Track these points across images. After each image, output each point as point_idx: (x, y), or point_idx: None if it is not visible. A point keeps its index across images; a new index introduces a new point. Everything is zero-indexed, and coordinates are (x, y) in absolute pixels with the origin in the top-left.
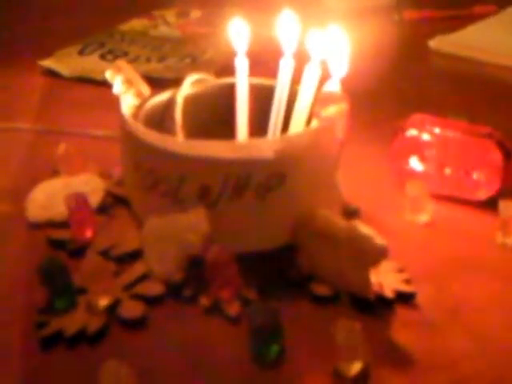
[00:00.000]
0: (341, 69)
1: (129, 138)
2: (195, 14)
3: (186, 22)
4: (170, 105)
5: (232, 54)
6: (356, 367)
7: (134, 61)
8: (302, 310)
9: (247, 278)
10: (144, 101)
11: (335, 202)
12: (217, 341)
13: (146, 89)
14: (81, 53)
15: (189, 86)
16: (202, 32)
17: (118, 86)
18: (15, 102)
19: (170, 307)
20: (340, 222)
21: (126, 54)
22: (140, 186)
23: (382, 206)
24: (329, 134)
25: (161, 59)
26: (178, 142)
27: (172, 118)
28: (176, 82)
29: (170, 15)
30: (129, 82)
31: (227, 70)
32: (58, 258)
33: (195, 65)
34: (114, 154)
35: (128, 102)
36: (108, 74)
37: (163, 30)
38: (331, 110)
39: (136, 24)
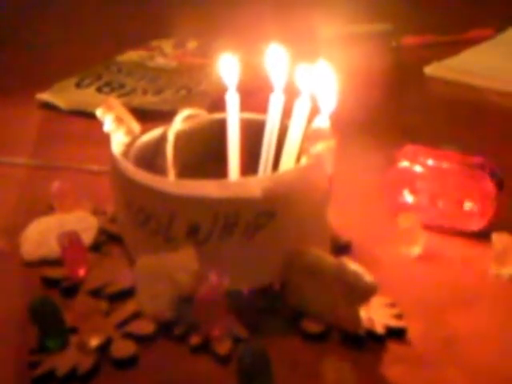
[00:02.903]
0: (330, 104)
1: (119, 177)
2: (192, 44)
3: (183, 53)
4: (161, 141)
5: (222, 88)
6: None
7: (130, 93)
8: (292, 347)
9: (237, 315)
10: (134, 138)
11: (325, 237)
12: (206, 380)
13: (136, 126)
14: (78, 85)
15: (180, 121)
16: (197, 63)
17: (108, 124)
18: (11, 135)
19: (161, 346)
20: (329, 259)
21: (122, 86)
22: (131, 224)
23: (374, 238)
24: (318, 171)
25: (157, 92)
26: (168, 181)
27: (163, 155)
28: (172, 115)
29: (167, 45)
30: (119, 120)
31: (219, 103)
32: (49, 298)
33: (190, 96)
34: (109, 189)
35: (118, 140)
36: (99, 112)
37: (160, 61)
38: (320, 147)
39: (133, 55)
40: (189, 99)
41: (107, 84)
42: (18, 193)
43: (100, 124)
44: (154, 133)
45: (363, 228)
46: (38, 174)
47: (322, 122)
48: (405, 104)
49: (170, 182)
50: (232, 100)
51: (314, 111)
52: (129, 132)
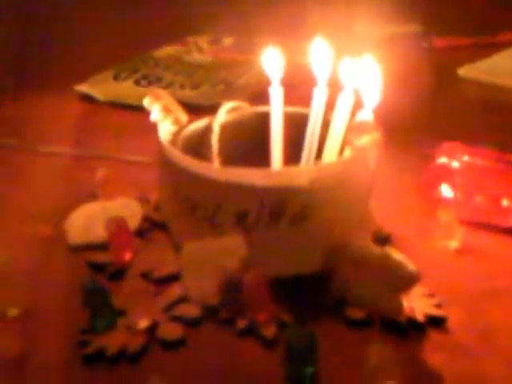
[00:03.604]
0: (373, 98)
1: (167, 165)
2: (227, 41)
3: (219, 49)
4: (206, 132)
5: (265, 81)
6: None
7: (168, 87)
8: (336, 333)
9: (282, 302)
10: (181, 128)
11: (368, 229)
12: (252, 362)
13: (183, 116)
14: (115, 78)
15: (224, 113)
16: (234, 58)
17: (155, 113)
18: (51, 125)
19: (207, 329)
20: (373, 249)
21: (159, 79)
22: (177, 212)
23: (413, 232)
24: (362, 164)
25: (195, 86)
26: (216, 168)
27: (208, 145)
28: (210, 109)
29: (203, 42)
30: (166, 110)
31: (260, 96)
32: (100, 280)
33: (228, 91)
34: (149, 179)
35: (165, 130)
36: (146, 102)
37: (196, 56)
38: (364, 140)
39: (169, 50)
40: (226, 94)
41: (144, 77)
42: (60, 181)
43: (138, 115)
44: (200, 123)
45: (402, 221)
46: (79, 163)
47: (366, 115)
48: (439, 104)
49: (218, 169)
50: (276, 93)
51: (357, 105)
52: (176, 121)
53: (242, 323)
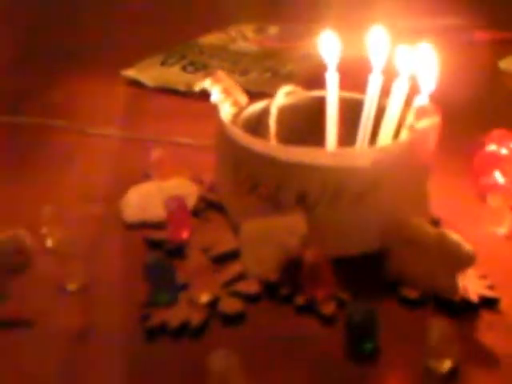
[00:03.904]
0: (430, 84)
1: (228, 144)
2: (273, 30)
3: (264, 38)
4: (264, 114)
5: (313, 68)
6: (446, 365)
7: None
8: (392, 312)
9: (340, 280)
10: (241, 110)
11: (425, 209)
12: (311, 339)
13: (243, 98)
14: (163, 64)
15: (282, 96)
16: (279, 47)
17: (216, 95)
18: (100, 109)
19: (267, 306)
20: (430, 229)
21: (206, 66)
22: (237, 191)
23: (462, 217)
24: (421, 146)
25: (243, 73)
26: (279, 147)
27: (266, 127)
28: (259, 96)
29: (248, 30)
30: (227, 92)
31: (307, 83)
32: (163, 256)
33: (275, 79)
34: (200, 161)
35: (225, 111)
36: (207, 83)
37: (241, 44)
38: (424, 123)
39: (214, 38)
40: (273, 82)
41: (191, 64)
42: (111, 162)
43: (185, 101)
44: (258, 106)
45: (452, 206)
46: (129, 145)
47: (422, 101)
48: (483, 95)
49: (281, 148)
50: (332, 78)
51: (412, 92)
52: (235, 103)
53: (300, 300)
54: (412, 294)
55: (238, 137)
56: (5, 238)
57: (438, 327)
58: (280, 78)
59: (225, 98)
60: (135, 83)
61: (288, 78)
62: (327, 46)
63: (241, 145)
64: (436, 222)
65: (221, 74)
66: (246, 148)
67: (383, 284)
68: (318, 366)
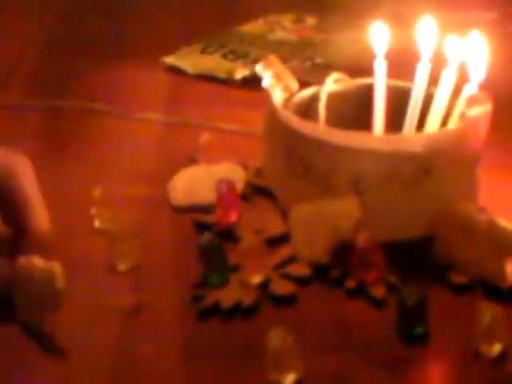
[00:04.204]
0: (480, 73)
1: (280, 128)
2: (311, 20)
3: (302, 28)
4: (313, 100)
5: (352, 59)
6: (496, 348)
7: (255, 62)
8: (440, 296)
9: (389, 264)
10: (292, 95)
11: (474, 197)
12: (361, 321)
13: (294, 84)
14: (203, 51)
15: (331, 83)
16: (318, 37)
17: (267, 79)
18: (141, 94)
19: (317, 288)
20: (480, 215)
21: (246, 55)
22: (288, 175)
23: (509, 205)
24: (473, 133)
25: (283, 61)
26: (333, 132)
27: (316, 113)
28: (300, 85)
29: (286, 20)
30: (278, 77)
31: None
32: (216, 236)
33: (316, 68)
34: (243, 147)
35: (277, 96)
36: (258, 68)
37: (280, 34)
38: (476, 110)
39: (253, 27)
40: (314, 70)
41: (231, 52)
42: (157, 147)
43: (225, 88)
44: (306, 92)
45: (500, 195)
46: (172, 130)
47: (472, 90)
48: None
49: (336, 132)
50: (380, 66)
51: (461, 81)
52: (286, 89)
53: (351, 283)
54: (460, 279)
55: (291, 121)
56: (38, 272)
57: (489, 311)
58: (320, 67)
59: (276, 83)
60: (175, 70)
61: (327, 68)
62: (377, 35)
63: (294, 129)
64: (483, 210)
65: (273, 58)
66: (300, 132)
67: (432, 269)
68: (367, 349)
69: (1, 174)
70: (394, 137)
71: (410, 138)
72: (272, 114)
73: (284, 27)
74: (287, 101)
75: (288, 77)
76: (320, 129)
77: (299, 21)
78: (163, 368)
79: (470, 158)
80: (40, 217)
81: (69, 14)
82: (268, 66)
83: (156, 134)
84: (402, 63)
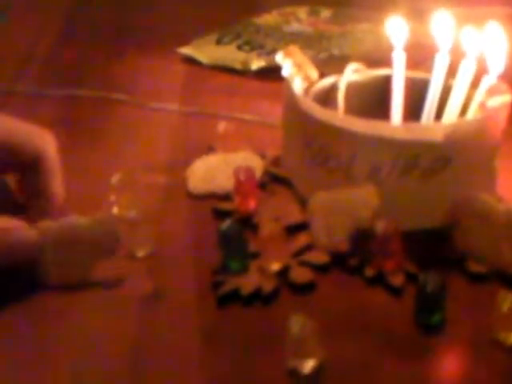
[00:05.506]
0: (499, 65)
1: (300, 117)
2: (325, 13)
3: (317, 20)
4: (332, 90)
5: (368, 51)
6: None
7: (271, 53)
8: (458, 286)
9: (407, 253)
10: (311, 84)
11: (492, 187)
12: (380, 310)
13: (314, 73)
14: (218, 42)
15: (350, 73)
16: (333, 29)
17: (287, 69)
18: (158, 85)
19: (336, 276)
20: (498, 205)
21: (262, 46)
22: (308, 164)
23: None
24: (493, 124)
25: None
26: (353, 120)
27: (335, 102)
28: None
29: (301, 12)
30: (298, 66)
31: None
32: (237, 223)
33: (332, 59)
34: (260, 136)
35: (297, 85)
36: (279, 57)
37: (295, 26)
38: (496, 101)
39: (268, 18)
40: (330, 61)
41: (247, 43)
42: (175, 136)
43: (241, 79)
44: (326, 81)
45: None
46: (189, 119)
47: (491, 81)
48: None
49: (356, 121)
50: (399, 57)
51: (479, 73)
52: (306, 78)
53: (370, 271)
54: (478, 268)
55: (313, 110)
56: (93, 221)
57: (507, 299)
58: (336, 58)
59: (296, 72)
60: (191, 60)
61: (344, 59)
62: (395, 27)
63: (314, 117)
64: (501, 200)
65: (293, 48)
66: (320, 120)
67: (450, 258)
68: (385, 337)
69: (34, 147)
70: (414, 126)
71: (430, 127)
72: (292, 103)
73: (299, 19)
74: (307, 90)
75: (308, 66)
76: (341, 117)
77: (314, 13)
78: (182, 354)
79: (489, 148)
80: (59, 184)
81: (86, 3)
82: (288, 55)
83: (173, 123)
84: (418, 57)
